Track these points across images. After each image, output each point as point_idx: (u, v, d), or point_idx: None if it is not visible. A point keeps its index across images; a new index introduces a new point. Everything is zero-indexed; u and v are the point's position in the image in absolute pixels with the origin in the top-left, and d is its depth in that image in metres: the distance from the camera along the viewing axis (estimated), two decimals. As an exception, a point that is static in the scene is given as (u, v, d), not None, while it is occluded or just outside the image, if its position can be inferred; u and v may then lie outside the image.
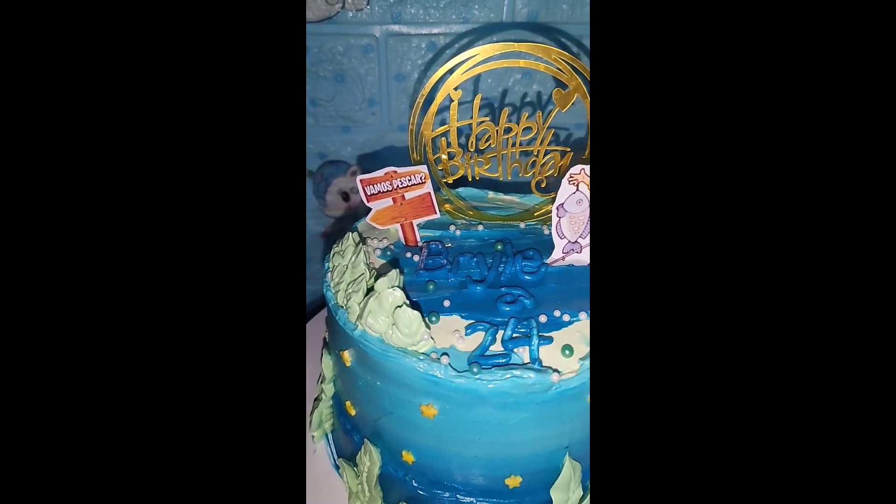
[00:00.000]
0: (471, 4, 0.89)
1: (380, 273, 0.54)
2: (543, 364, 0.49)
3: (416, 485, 0.56)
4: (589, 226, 0.60)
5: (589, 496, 0.57)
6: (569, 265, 0.62)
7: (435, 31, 0.90)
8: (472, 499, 0.55)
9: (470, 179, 0.67)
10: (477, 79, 0.64)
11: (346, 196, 1.02)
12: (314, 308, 0.89)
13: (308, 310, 0.94)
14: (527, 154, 0.65)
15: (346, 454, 0.63)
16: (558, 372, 0.48)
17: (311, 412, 0.67)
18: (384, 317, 0.50)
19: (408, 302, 0.50)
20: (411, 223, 0.65)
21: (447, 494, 0.55)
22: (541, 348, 0.51)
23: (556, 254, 0.62)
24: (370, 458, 0.57)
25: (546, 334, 0.52)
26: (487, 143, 0.64)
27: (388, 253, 0.64)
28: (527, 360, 0.50)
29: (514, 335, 0.52)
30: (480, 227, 0.68)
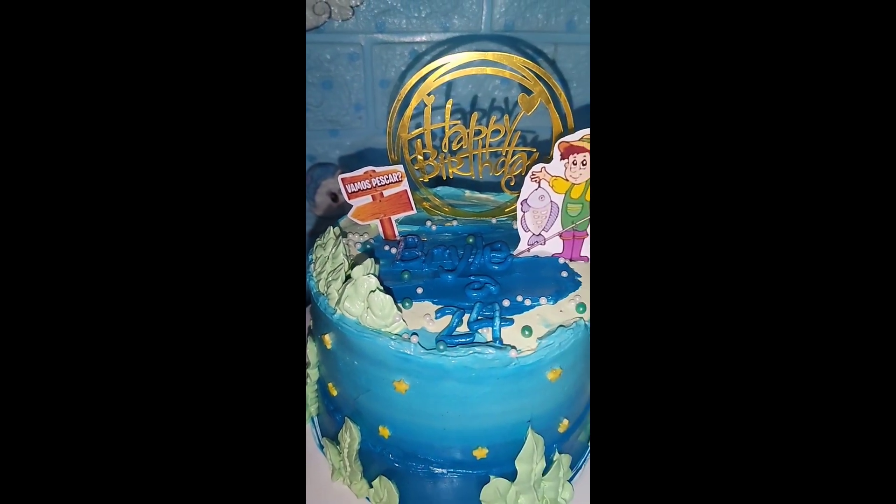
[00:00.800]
0: (451, 14, 0.94)
1: (356, 262, 0.59)
2: (504, 343, 0.55)
3: (392, 458, 0.61)
4: (552, 219, 0.66)
5: (553, 468, 0.62)
6: (534, 256, 0.67)
7: (417, 39, 0.96)
8: (443, 470, 0.60)
9: (444, 179, 0.72)
10: (450, 85, 0.69)
11: (334, 197, 1.07)
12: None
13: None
14: (496, 155, 0.70)
15: (330, 434, 0.68)
16: (516, 349, 0.54)
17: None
18: (360, 301, 0.55)
19: (381, 288, 0.55)
20: (390, 219, 0.70)
21: (421, 466, 0.60)
22: (502, 329, 0.56)
23: (522, 245, 0.67)
24: (350, 435, 0.62)
25: (508, 317, 0.57)
26: (460, 145, 0.69)
27: (368, 246, 0.69)
28: (489, 339, 0.55)
29: (479, 317, 0.57)
30: (455, 223, 0.73)
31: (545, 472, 0.61)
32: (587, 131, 0.61)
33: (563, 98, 0.66)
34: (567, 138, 0.62)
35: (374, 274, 0.57)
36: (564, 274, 0.65)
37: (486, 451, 0.59)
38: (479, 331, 0.56)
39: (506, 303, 0.59)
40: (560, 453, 0.62)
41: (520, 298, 0.60)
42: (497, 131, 0.68)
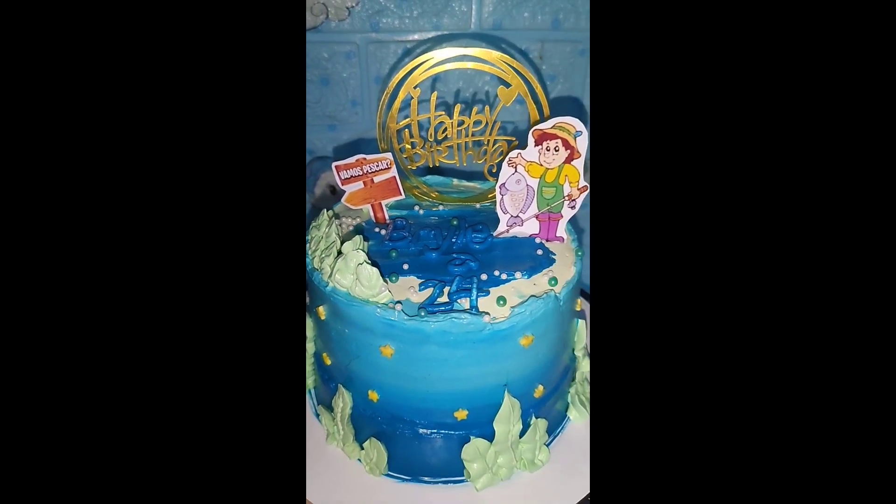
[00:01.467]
0: (441, 14, 1.00)
1: (345, 239, 0.65)
2: (480, 311, 0.60)
3: (381, 421, 0.67)
4: (528, 202, 0.71)
5: (529, 431, 0.67)
6: (512, 236, 0.73)
7: (409, 37, 1.02)
8: (427, 431, 0.66)
9: (431, 167, 0.78)
10: (435, 78, 0.75)
11: (332, 189, 1.13)
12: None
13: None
14: (479, 144, 0.76)
15: (325, 402, 0.74)
16: (490, 315, 0.59)
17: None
18: (349, 274, 0.61)
19: (368, 261, 0.61)
20: (380, 203, 0.76)
21: (407, 428, 0.66)
22: (479, 299, 0.62)
23: (502, 227, 0.73)
24: (343, 401, 0.68)
25: (485, 288, 0.63)
26: (444, 135, 0.75)
27: (359, 229, 0.75)
28: (467, 307, 0.61)
29: (458, 289, 0.62)
30: (441, 207, 0.79)
31: (522, 434, 0.67)
32: (559, 119, 0.66)
33: (538, 90, 0.71)
34: (540, 126, 0.67)
35: (362, 249, 0.62)
36: (539, 252, 0.70)
37: (466, 412, 0.64)
38: (458, 301, 0.61)
39: (483, 276, 0.65)
40: (536, 418, 0.68)
41: (497, 273, 0.65)
42: (479, 122, 0.74)
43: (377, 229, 0.74)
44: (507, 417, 0.64)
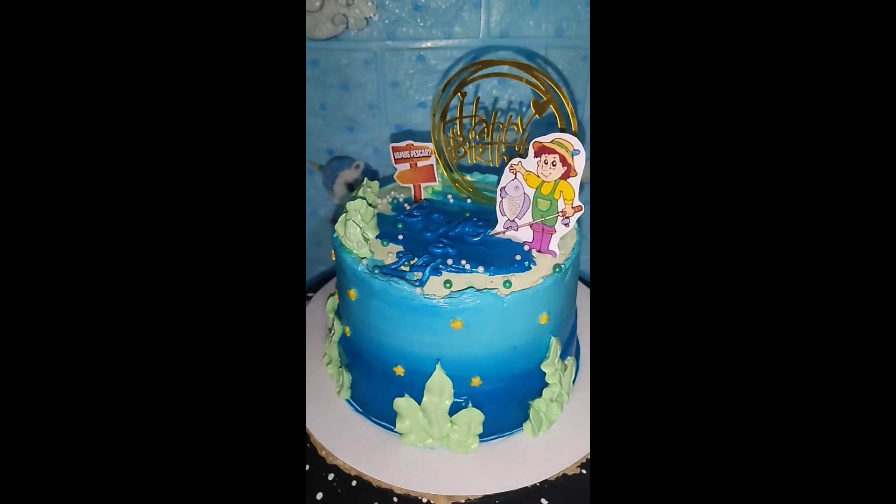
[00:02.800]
0: (452, 23, 1.08)
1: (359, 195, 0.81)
2: (452, 286, 0.70)
3: (350, 354, 0.80)
4: (524, 209, 0.77)
5: (461, 415, 0.75)
6: (507, 238, 0.79)
7: (423, 45, 1.10)
8: (377, 374, 0.77)
9: (470, 163, 0.88)
10: (478, 85, 0.84)
11: (350, 187, 1.22)
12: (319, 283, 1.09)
13: (317, 285, 1.13)
14: (511, 149, 0.84)
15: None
16: (421, 286, 0.69)
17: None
18: (341, 225, 0.77)
19: (356, 219, 0.75)
20: (419, 185, 0.89)
21: (364, 368, 0.78)
22: (431, 278, 0.71)
23: (499, 227, 0.79)
24: (334, 328, 0.83)
25: (441, 269, 0.73)
26: (482, 136, 0.84)
27: (397, 202, 0.89)
28: (418, 278, 0.70)
29: (422, 264, 0.72)
30: (469, 201, 0.89)
31: (452, 413, 0.74)
32: (558, 135, 0.71)
33: (569, 107, 0.75)
34: (540, 139, 0.72)
35: (362, 215, 0.76)
36: (518, 257, 0.75)
37: (403, 370, 0.74)
38: (415, 273, 0.71)
39: (449, 261, 0.73)
40: (473, 406, 0.74)
41: (462, 262, 0.74)
42: (512, 128, 0.81)
43: (407, 206, 0.88)
44: (437, 389, 0.72)
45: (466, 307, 0.68)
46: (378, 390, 0.77)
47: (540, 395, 0.77)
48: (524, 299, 0.70)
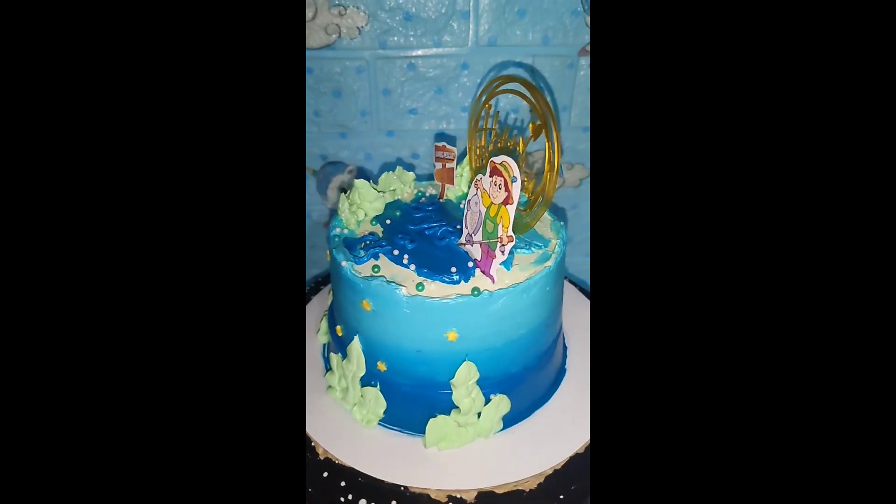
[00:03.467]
0: (442, 32, 1.12)
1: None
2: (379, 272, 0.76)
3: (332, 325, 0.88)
4: (478, 226, 0.76)
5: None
6: (465, 251, 0.79)
7: (413, 53, 1.14)
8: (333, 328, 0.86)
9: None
10: (499, 100, 0.87)
11: (343, 191, 1.25)
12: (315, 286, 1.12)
13: (315, 287, 1.16)
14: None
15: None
16: (355, 262, 0.77)
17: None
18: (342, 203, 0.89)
19: (355, 197, 0.88)
20: (444, 185, 0.94)
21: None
22: (371, 260, 0.79)
23: (462, 239, 0.80)
24: (326, 299, 0.92)
25: (378, 255, 0.80)
26: (496, 147, 0.87)
27: (421, 195, 0.98)
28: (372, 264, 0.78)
29: (371, 245, 0.81)
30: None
31: (363, 384, 0.81)
32: (507, 158, 0.69)
33: (555, 131, 0.71)
34: (495, 158, 0.70)
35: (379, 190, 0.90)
36: (454, 269, 0.75)
37: (341, 331, 0.84)
38: (361, 251, 0.80)
39: (395, 252, 0.79)
40: (380, 389, 0.80)
41: (405, 259, 0.78)
42: (515, 147, 0.81)
43: (422, 199, 0.95)
44: (354, 357, 0.80)
45: (374, 292, 0.73)
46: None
47: (448, 412, 0.76)
48: (426, 307, 0.70)
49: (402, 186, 0.96)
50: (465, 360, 0.73)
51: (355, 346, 0.79)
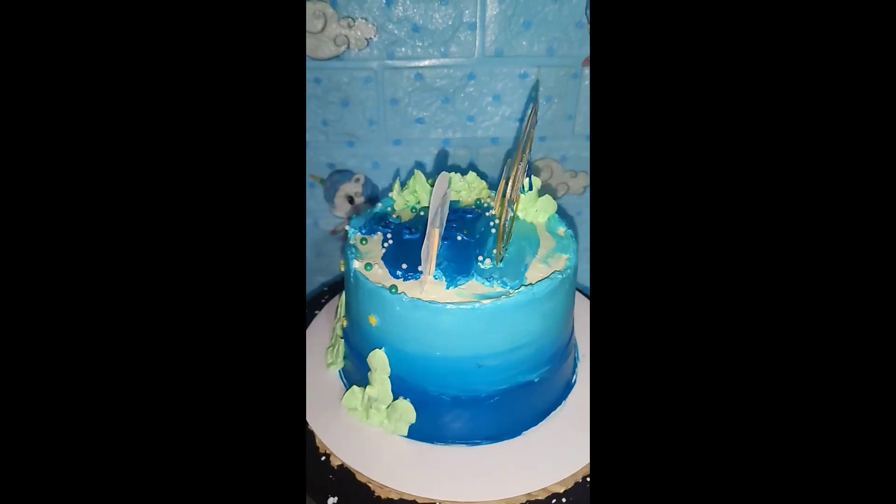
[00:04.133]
0: (449, 43, 1.14)
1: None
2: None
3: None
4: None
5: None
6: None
7: (421, 64, 1.16)
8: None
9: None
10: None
11: (351, 199, 1.27)
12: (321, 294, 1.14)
13: (318, 297, 1.18)
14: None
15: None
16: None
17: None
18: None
19: (414, 184, 0.97)
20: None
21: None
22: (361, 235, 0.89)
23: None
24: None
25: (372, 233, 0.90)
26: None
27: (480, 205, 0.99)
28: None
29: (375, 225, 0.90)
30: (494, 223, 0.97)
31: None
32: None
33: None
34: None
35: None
36: (404, 265, 0.82)
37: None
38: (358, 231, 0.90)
39: (388, 236, 0.87)
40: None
41: (387, 244, 0.86)
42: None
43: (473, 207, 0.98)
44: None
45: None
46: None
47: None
48: (359, 286, 0.80)
49: (468, 191, 0.98)
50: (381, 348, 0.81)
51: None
